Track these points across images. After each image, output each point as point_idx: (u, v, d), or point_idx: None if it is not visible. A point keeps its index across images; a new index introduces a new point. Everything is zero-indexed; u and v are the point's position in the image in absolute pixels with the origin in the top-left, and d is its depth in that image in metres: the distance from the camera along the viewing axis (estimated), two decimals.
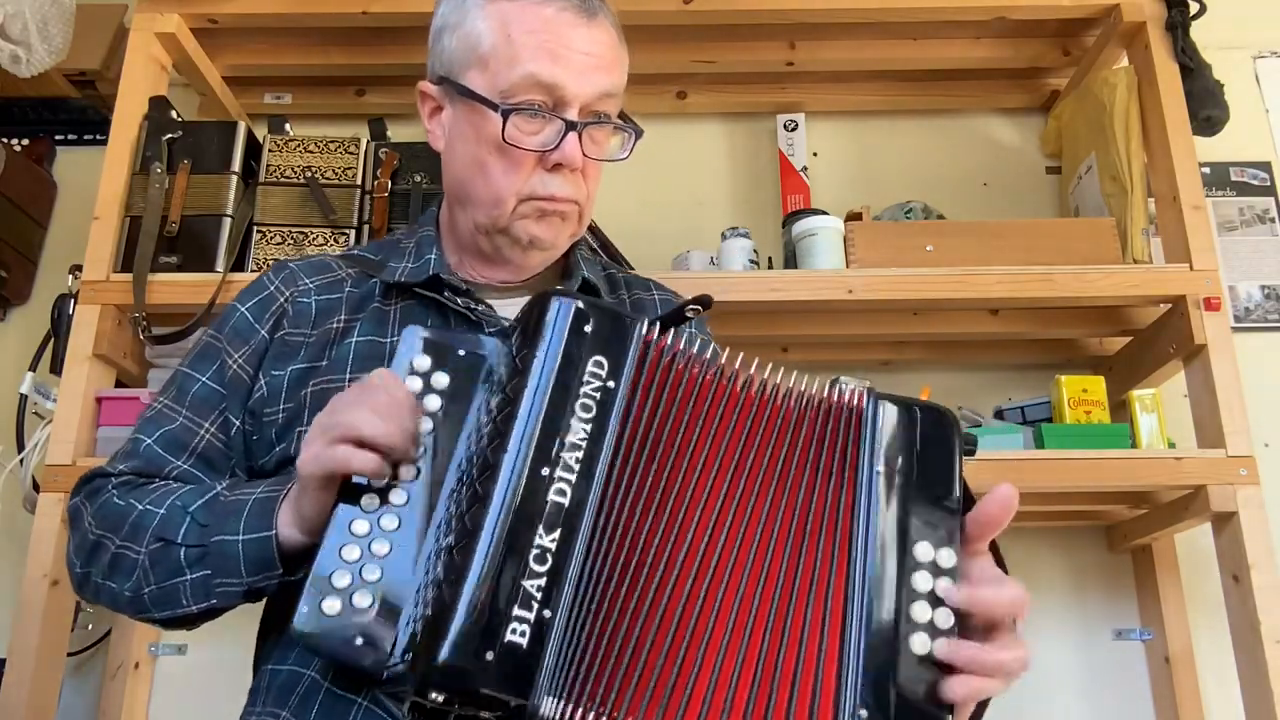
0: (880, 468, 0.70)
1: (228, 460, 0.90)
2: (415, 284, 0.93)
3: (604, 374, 0.69)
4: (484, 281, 0.97)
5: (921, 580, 0.67)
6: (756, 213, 1.93)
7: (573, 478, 0.65)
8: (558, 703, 0.61)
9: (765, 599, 0.66)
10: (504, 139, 0.89)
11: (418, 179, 1.61)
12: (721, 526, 0.68)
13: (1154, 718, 1.68)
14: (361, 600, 0.67)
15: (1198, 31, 1.65)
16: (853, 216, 1.73)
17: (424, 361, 0.74)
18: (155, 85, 1.67)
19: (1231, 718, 1.47)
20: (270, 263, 1.56)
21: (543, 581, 0.63)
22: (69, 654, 1.49)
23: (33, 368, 1.63)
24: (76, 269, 1.57)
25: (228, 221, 1.57)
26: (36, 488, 1.50)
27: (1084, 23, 1.80)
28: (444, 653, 0.60)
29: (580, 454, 0.66)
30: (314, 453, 0.70)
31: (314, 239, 1.58)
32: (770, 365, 0.73)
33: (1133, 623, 1.73)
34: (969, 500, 0.70)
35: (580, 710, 0.61)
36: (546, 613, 0.62)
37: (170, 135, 1.60)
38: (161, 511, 0.81)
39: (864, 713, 0.63)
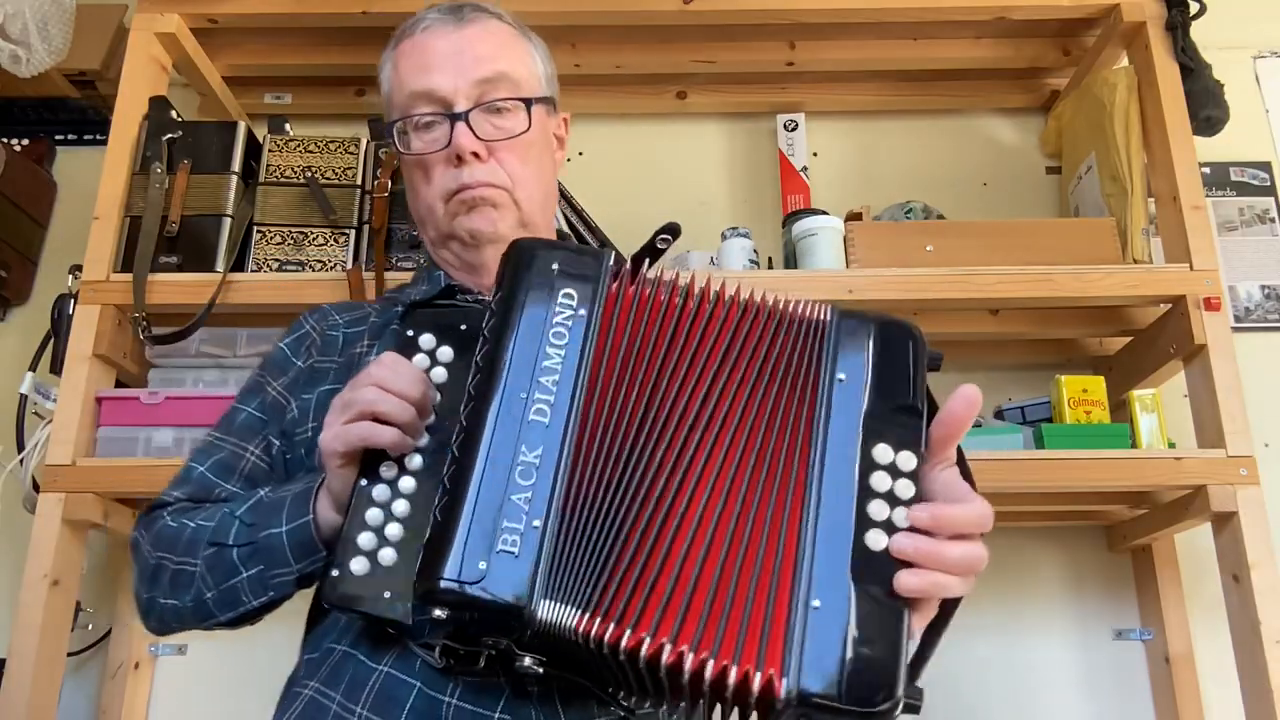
0: (841, 376, 0.71)
1: (270, 479, 0.95)
2: (430, 299, 0.98)
3: (574, 303, 0.73)
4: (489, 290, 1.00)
5: (879, 480, 0.68)
6: (756, 213, 1.93)
7: (551, 398, 0.70)
8: (554, 605, 0.65)
9: (730, 501, 0.68)
10: (403, 151, 1.00)
11: None
12: (694, 435, 0.70)
13: (1154, 718, 1.68)
14: (386, 557, 0.72)
15: (1198, 31, 1.65)
16: (853, 216, 1.73)
17: (429, 339, 0.79)
18: (155, 85, 1.67)
19: (1231, 718, 1.47)
20: (272, 262, 1.57)
21: (529, 494, 0.67)
22: (69, 654, 1.49)
23: (33, 368, 1.63)
24: (76, 269, 1.57)
25: (228, 221, 1.57)
26: (36, 488, 1.50)
27: (1084, 23, 1.80)
28: (442, 569, 0.64)
29: (556, 377, 0.70)
30: (334, 431, 0.76)
31: (314, 239, 1.58)
32: (740, 285, 0.77)
33: (1133, 623, 1.73)
34: (934, 411, 0.71)
35: (576, 610, 0.65)
36: (536, 522, 0.66)
37: (170, 135, 1.60)
38: (213, 524, 0.86)
39: (817, 602, 0.64)
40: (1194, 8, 1.65)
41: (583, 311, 0.73)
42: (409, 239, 1.57)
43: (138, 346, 1.56)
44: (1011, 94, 2.00)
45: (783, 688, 0.62)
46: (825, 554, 0.65)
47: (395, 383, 0.74)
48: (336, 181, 1.62)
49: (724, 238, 1.69)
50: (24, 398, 1.56)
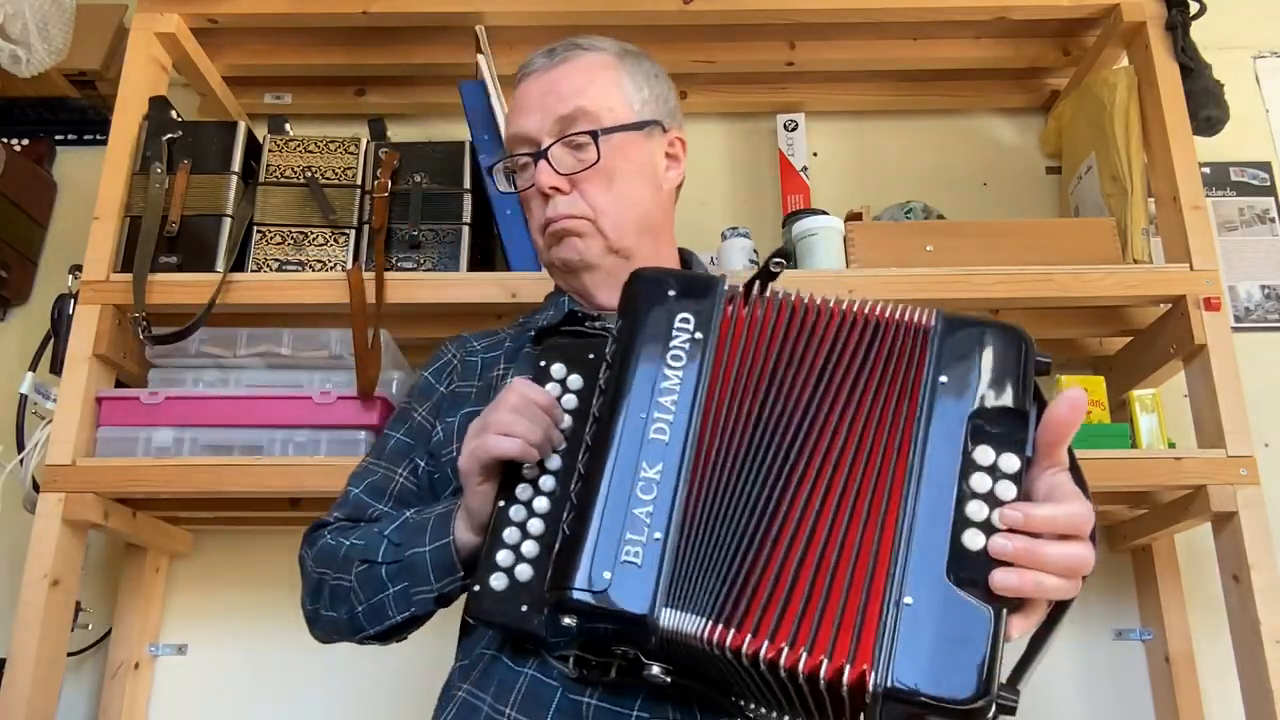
0: (944, 379, 0.72)
1: (418, 499, 1.02)
2: (555, 325, 1.04)
3: (690, 327, 0.77)
4: (611, 308, 1.04)
5: (979, 481, 0.68)
6: (756, 213, 1.93)
7: (670, 417, 0.74)
8: (676, 613, 0.69)
9: (828, 503, 0.71)
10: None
11: (418, 179, 1.61)
12: (804, 444, 0.73)
13: (1154, 718, 1.68)
14: (523, 573, 0.77)
15: (1198, 31, 1.65)
16: (853, 216, 1.73)
17: (560, 369, 0.84)
18: (155, 85, 1.67)
19: (1231, 718, 1.47)
20: (272, 262, 1.57)
21: (650, 508, 0.71)
22: (69, 654, 1.49)
23: (33, 368, 1.63)
24: (76, 269, 1.57)
25: (228, 221, 1.57)
26: (36, 488, 1.50)
27: (1084, 23, 1.80)
28: (569, 579, 0.69)
29: (675, 397, 0.75)
30: (468, 450, 0.82)
31: (314, 239, 1.58)
32: (848, 297, 0.78)
33: (1133, 623, 1.73)
34: (1043, 412, 0.71)
35: (696, 617, 0.68)
36: (657, 534, 0.70)
37: (170, 135, 1.60)
38: (365, 542, 0.93)
39: (909, 599, 0.65)
40: (1194, 8, 1.65)
41: (699, 335, 0.77)
42: (409, 239, 1.57)
43: (138, 346, 1.56)
44: (1011, 94, 2.00)
45: (872, 680, 0.63)
46: (921, 552, 0.67)
47: (525, 407, 0.80)
48: (336, 181, 1.62)
49: (724, 238, 1.69)
50: (24, 398, 1.56)
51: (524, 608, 0.75)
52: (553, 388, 0.83)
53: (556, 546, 0.72)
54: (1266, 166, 1.98)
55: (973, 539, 0.66)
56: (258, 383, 1.55)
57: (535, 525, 0.78)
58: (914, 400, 0.72)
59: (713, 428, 0.74)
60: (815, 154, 2.00)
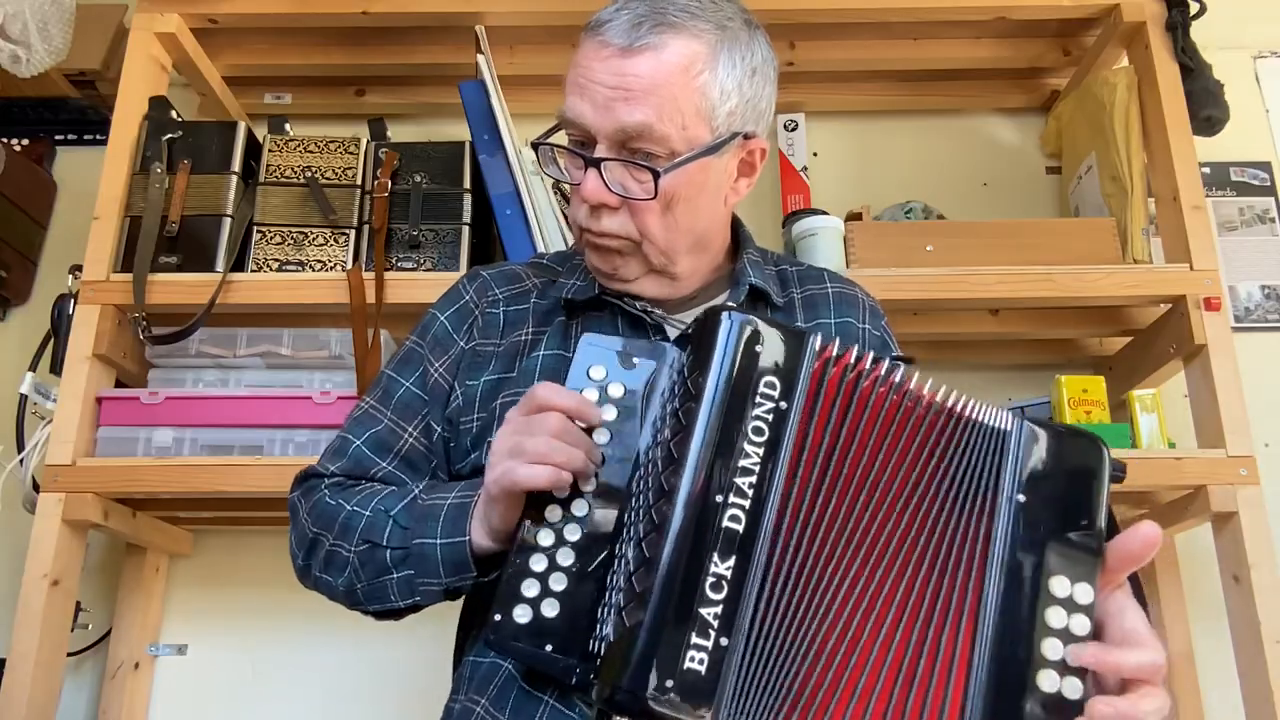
0: (1021, 497, 0.69)
1: (428, 463, 0.95)
2: (580, 300, 0.96)
3: (776, 395, 0.69)
4: (652, 296, 0.97)
5: (1055, 616, 0.66)
6: (756, 213, 1.93)
7: (746, 504, 0.67)
8: None
9: (906, 628, 0.67)
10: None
11: (418, 179, 1.61)
12: (882, 554, 0.68)
13: None
14: (549, 610, 0.71)
15: (1198, 31, 1.65)
16: (853, 216, 1.73)
17: (600, 371, 0.77)
18: (155, 85, 1.67)
19: (1231, 718, 1.47)
20: (272, 262, 1.56)
21: (719, 609, 0.65)
22: (69, 654, 1.49)
23: (33, 368, 1.63)
24: (76, 269, 1.57)
25: (228, 221, 1.57)
26: (36, 488, 1.50)
27: (1084, 23, 1.80)
28: (625, 679, 0.64)
29: (753, 479, 0.67)
30: (496, 476, 0.75)
31: (314, 239, 1.58)
32: (922, 380, 0.72)
33: None
34: (1113, 531, 0.69)
35: None
36: (724, 640, 0.64)
37: (170, 135, 1.60)
38: (367, 514, 0.87)
39: None
40: (1194, 8, 1.65)
41: (784, 405, 0.69)
42: (409, 239, 1.57)
43: (138, 346, 1.56)
44: (1011, 94, 2.00)
45: None
46: (995, 693, 0.64)
47: (565, 430, 0.74)
48: (336, 181, 1.62)
49: None
50: (24, 398, 1.56)
51: (548, 646, 0.71)
52: (591, 393, 0.77)
53: (613, 636, 0.67)
54: (1266, 166, 1.98)
55: (1048, 680, 0.64)
56: (258, 383, 1.55)
57: (564, 556, 0.73)
58: (990, 517, 0.69)
59: (789, 524, 0.68)
60: (815, 154, 2.00)
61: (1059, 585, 0.66)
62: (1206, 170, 1.92)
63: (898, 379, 0.72)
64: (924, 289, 1.53)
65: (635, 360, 0.77)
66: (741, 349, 0.70)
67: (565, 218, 1.59)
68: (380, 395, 0.98)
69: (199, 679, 1.73)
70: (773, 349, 0.71)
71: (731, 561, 0.65)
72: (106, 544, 1.77)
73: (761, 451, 0.68)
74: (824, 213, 1.66)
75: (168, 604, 1.77)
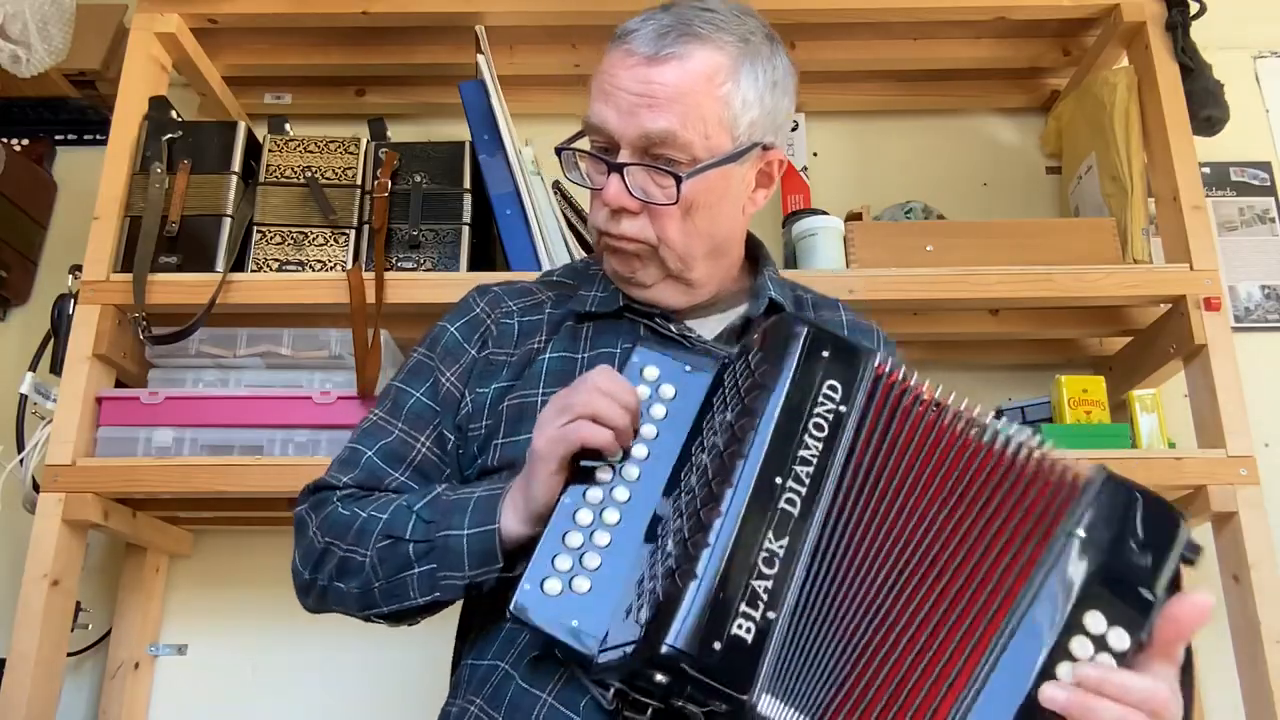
0: (1081, 533, 0.68)
1: (441, 473, 0.95)
2: (602, 313, 0.98)
3: (837, 398, 0.72)
4: (669, 305, 0.99)
5: (1079, 645, 0.64)
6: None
7: (803, 489, 0.69)
8: (775, 702, 0.64)
9: (934, 625, 0.67)
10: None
11: (418, 179, 1.61)
12: (924, 561, 0.69)
13: None
14: (580, 585, 0.71)
15: (1198, 31, 1.65)
16: (853, 216, 1.73)
17: (653, 372, 0.79)
18: (155, 85, 1.67)
19: (1231, 718, 1.47)
20: (272, 262, 1.56)
21: (770, 584, 0.66)
22: (69, 654, 1.49)
23: (33, 368, 1.63)
24: (76, 269, 1.57)
25: (228, 221, 1.57)
26: (36, 488, 1.50)
27: (1084, 23, 1.80)
28: (673, 636, 0.64)
29: (811, 469, 0.69)
30: (549, 434, 0.76)
31: (314, 239, 1.58)
32: (993, 414, 0.74)
33: None
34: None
35: (796, 713, 0.65)
36: (771, 614, 0.65)
37: (170, 135, 1.60)
38: (386, 515, 0.86)
39: None
40: (1194, 8, 1.65)
41: (844, 408, 0.72)
42: (409, 239, 1.57)
43: (138, 346, 1.56)
44: (1011, 94, 2.00)
45: None
46: (992, 697, 0.64)
47: (614, 390, 0.75)
48: (336, 181, 1.62)
49: None
50: (24, 398, 1.56)
51: (575, 622, 0.70)
52: (643, 390, 0.77)
53: (660, 594, 0.67)
54: (1266, 166, 1.98)
55: (1049, 697, 0.63)
56: (258, 383, 1.55)
57: (601, 536, 0.73)
58: (1042, 544, 0.67)
59: (845, 513, 0.70)
60: (815, 154, 2.00)
61: (1094, 621, 0.65)
62: (1206, 170, 1.92)
63: (947, 403, 0.74)
64: (924, 289, 1.53)
65: (686, 367, 0.79)
66: (809, 351, 0.73)
67: (565, 219, 1.59)
68: (389, 407, 0.98)
69: (199, 679, 1.73)
70: (836, 356, 0.73)
71: (785, 541, 0.67)
72: (106, 544, 1.77)
73: (821, 445, 0.70)
74: (824, 213, 1.66)
75: (168, 604, 1.77)
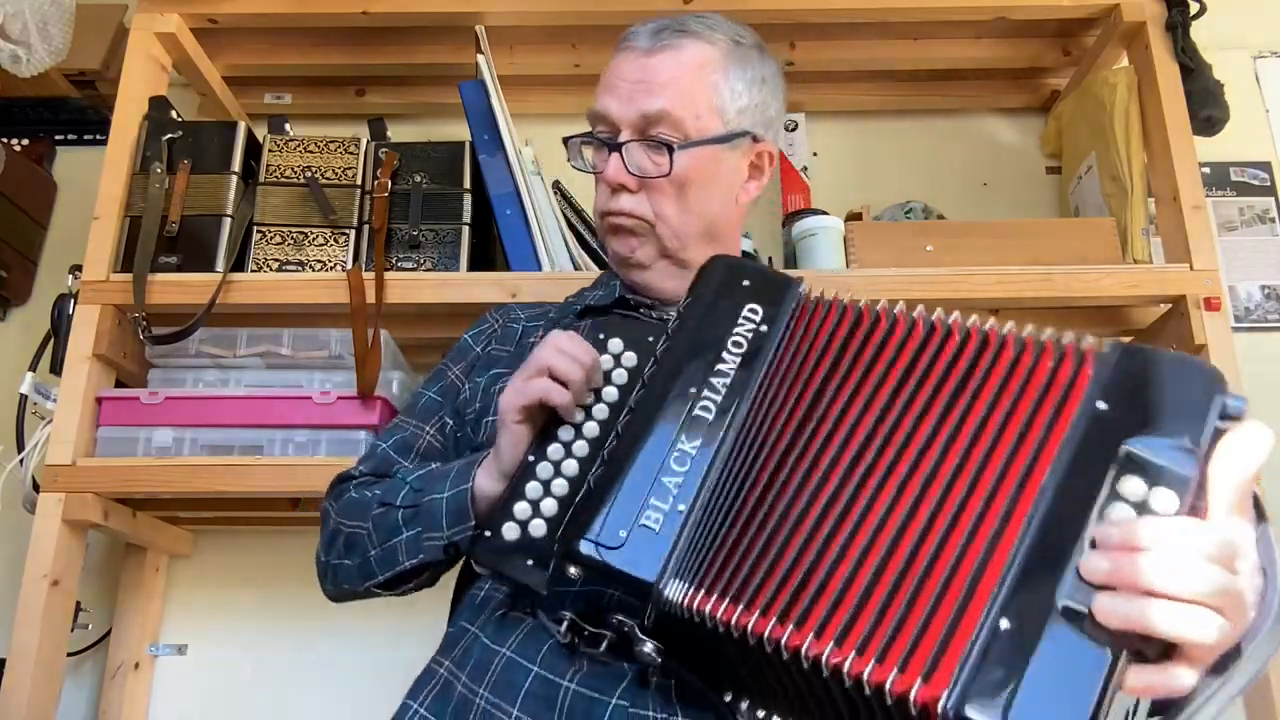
0: (1103, 405, 0.62)
1: (444, 457, 1.01)
2: (604, 306, 1.04)
3: (758, 319, 0.77)
4: (665, 290, 1.05)
5: (1118, 512, 0.57)
6: (756, 213, 1.91)
7: (718, 398, 0.73)
8: (683, 585, 0.67)
9: (919, 514, 0.64)
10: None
11: (418, 179, 1.61)
12: (873, 445, 0.68)
13: None
14: (537, 529, 0.75)
15: (1198, 31, 1.65)
16: (853, 216, 1.73)
17: (617, 344, 0.82)
18: (155, 85, 1.67)
19: (1231, 717, 1.47)
20: (272, 262, 1.56)
21: (680, 480, 0.70)
22: (69, 654, 1.49)
23: (33, 368, 1.63)
24: (76, 269, 1.57)
25: (228, 221, 1.57)
26: (36, 488, 1.50)
27: (1084, 23, 1.80)
28: (583, 531, 0.69)
29: (728, 380, 0.74)
30: (514, 386, 0.81)
31: (314, 239, 1.58)
32: (992, 323, 0.72)
33: None
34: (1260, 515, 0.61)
35: (704, 594, 0.66)
36: (681, 506, 0.69)
37: (170, 135, 1.60)
38: (383, 490, 0.94)
39: (1005, 623, 0.57)
40: (1194, 8, 1.65)
41: (765, 329, 0.76)
42: (409, 239, 1.57)
43: (138, 346, 1.55)
44: (1011, 94, 2.00)
45: (940, 705, 0.56)
46: (1030, 577, 0.58)
47: (572, 350, 0.79)
48: (336, 181, 1.62)
49: None
50: (24, 398, 1.56)
51: (529, 562, 0.74)
52: (606, 360, 0.81)
53: (578, 499, 0.72)
54: (1266, 166, 1.98)
55: (1091, 569, 0.56)
56: (258, 383, 1.55)
57: (559, 486, 0.77)
58: (1060, 423, 0.62)
59: (759, 417, 0.73)
60: (815, 154, 2.00)
61: (1132, 487, 0.57)
62: (1206, 170, 1.92)
63: (892, 309, 0.75)
64: (924, 289, 1.53)
65: (649, 337, 0.82)
66: (726, 278, 0.79)
67: (565, 219, 1.59)
68: (409, 408, 1.07)
69: (199, 679, 1.73)
70: (758, 284, 0.79)
71: (698, 442, 0.71)
72: (106, 544, 1.77)
73: (738, 360, 0.75)
74: (824, 213, 1.67)
75: (168, 604, 1.77)
